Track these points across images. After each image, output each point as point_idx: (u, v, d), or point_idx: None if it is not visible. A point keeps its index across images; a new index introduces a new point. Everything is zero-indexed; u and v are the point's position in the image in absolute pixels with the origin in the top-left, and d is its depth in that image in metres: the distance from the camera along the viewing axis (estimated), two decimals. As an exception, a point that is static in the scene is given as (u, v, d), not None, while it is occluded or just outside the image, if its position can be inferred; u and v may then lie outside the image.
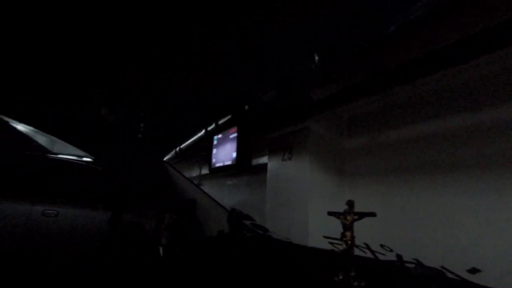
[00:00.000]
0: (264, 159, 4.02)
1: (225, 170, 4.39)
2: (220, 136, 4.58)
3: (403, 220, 2.35)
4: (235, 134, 3.99)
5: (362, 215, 1.33)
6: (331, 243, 2.10)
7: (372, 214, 1.31)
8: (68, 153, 3.36)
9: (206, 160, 6.80)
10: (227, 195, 5.70)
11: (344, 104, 2.76)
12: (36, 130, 3.48)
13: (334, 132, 3.22)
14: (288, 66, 2.37)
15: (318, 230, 2.83)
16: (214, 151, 4.74)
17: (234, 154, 3.92)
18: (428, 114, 2.34)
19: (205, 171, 7.08)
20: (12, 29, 2.09)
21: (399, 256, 1.64)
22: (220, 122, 4.31)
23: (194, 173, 7.60)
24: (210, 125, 4.67)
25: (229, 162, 4.10)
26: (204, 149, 6.02)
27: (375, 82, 2.13)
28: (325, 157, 3.13)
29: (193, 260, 2.29)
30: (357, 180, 3.00)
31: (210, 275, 2.02)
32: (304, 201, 3.06)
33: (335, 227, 2.08)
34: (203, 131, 4.92)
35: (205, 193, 3.53)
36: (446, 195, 2.11)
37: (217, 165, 4.55)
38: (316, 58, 2.43)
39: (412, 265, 1.61)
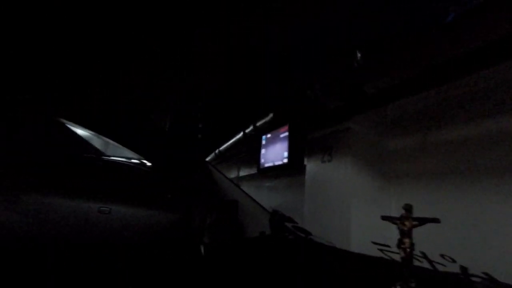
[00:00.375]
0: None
1: (275, 170, 4.21)
2: (269, 135, 4.40)
3: (465, 228, 2.12)
4: (286, 133, 3.82)
5: (423, 221, 1.22)
6: (381, 250, 1.98)
7: (436, 220, 1.19)
8: (119, 155, 3.64)
9: (244, 161, 6.90)
10: (265, 196, 5.70)
11: (396, 100, 2.58)
12: (92, 133, 3.82)
13: (376, 132, 3.05)
14: (340, 59, 2.28)
15: (361, 235, 2.69)
16: (263, 151, 4.54)
17: (286, 154, 3.76)
18: (491, 110, 2.08)
19: (243, 172, 7.18)
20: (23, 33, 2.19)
21: (463, 268, 1.48)
22: (259, 123, 4.29)
23: (233, 174, 7.76)
24: (248, 127, 4.67)
25: (279, 162, 3.93)
26: (242, 151, 6.06)
27: (432, 75, 1.96)
28: (367, 158, 2.98)
29: (235, 259, 2.31)
30: (404, 183, 2.79)
31: (252, 275, 2.02)
32: (345, 204, 2.93)
33: (380, 233, 1.94)
34: (241, 133, 4.96)
35: (246, 194, 3.56)
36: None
37: (267, 165, 4.36)
38: (359, 55, 2.33)
39: (480, 280, 1.44)
